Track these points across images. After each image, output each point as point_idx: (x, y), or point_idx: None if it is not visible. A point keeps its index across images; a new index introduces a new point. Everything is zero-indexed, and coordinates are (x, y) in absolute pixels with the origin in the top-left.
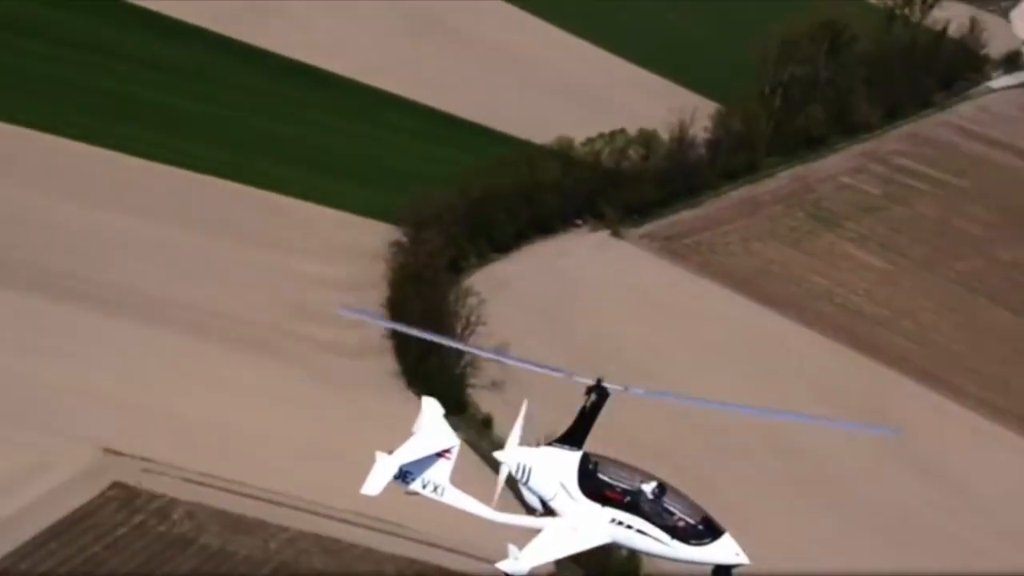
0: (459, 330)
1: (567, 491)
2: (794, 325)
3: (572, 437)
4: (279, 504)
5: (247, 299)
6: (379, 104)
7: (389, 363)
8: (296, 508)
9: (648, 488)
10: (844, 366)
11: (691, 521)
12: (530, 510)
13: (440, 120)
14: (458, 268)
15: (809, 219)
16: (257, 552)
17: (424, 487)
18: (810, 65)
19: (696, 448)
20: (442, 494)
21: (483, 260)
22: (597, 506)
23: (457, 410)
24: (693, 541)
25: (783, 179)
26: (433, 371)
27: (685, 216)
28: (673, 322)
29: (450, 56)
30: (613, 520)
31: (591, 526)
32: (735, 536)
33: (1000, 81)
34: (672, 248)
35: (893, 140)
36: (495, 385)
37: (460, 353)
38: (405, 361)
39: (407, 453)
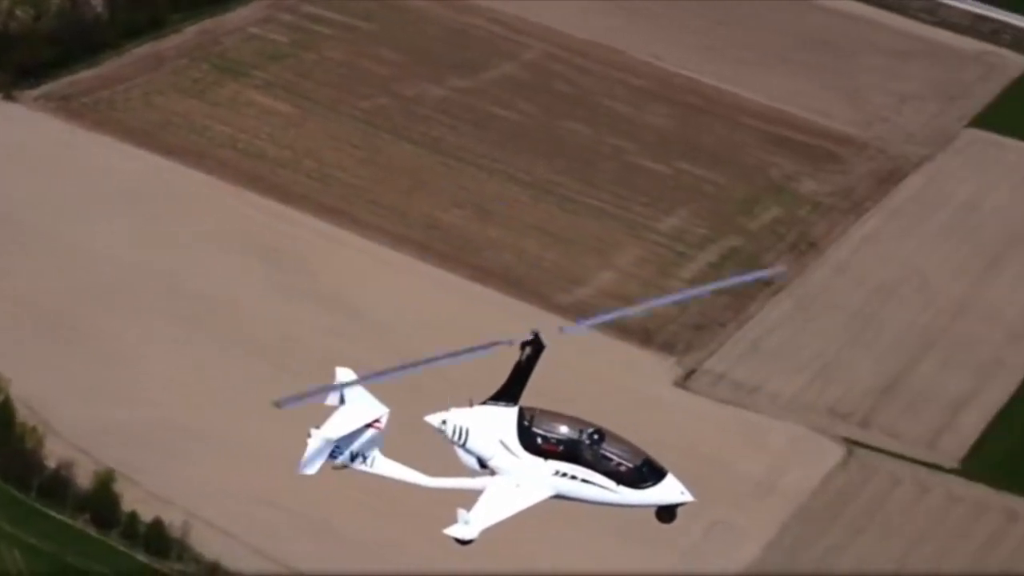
0: None
1: (508, 448)
2: (195, 172)
3: (507, 393)
4: None
5: None
6: None
7: None
8: None
9: (587, 435)
10: (244, 206)
11: (633, 464)
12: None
13: None
14: None
15: (214, 70)
16: None
17: (353, 460)
18: None
19: (92, 305)
20: (372, 465)
21: None
22: (539, 460)
23: None
24: (639, 484)
25: (189, 33)
26: None
27: (84, 75)
28: (71, 180)
29: None
30: (556, 472)
31: (535, 481)
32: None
33: None
34: (69, 108)
35: None
36: None
37: None
38: None
39: (338, 427)
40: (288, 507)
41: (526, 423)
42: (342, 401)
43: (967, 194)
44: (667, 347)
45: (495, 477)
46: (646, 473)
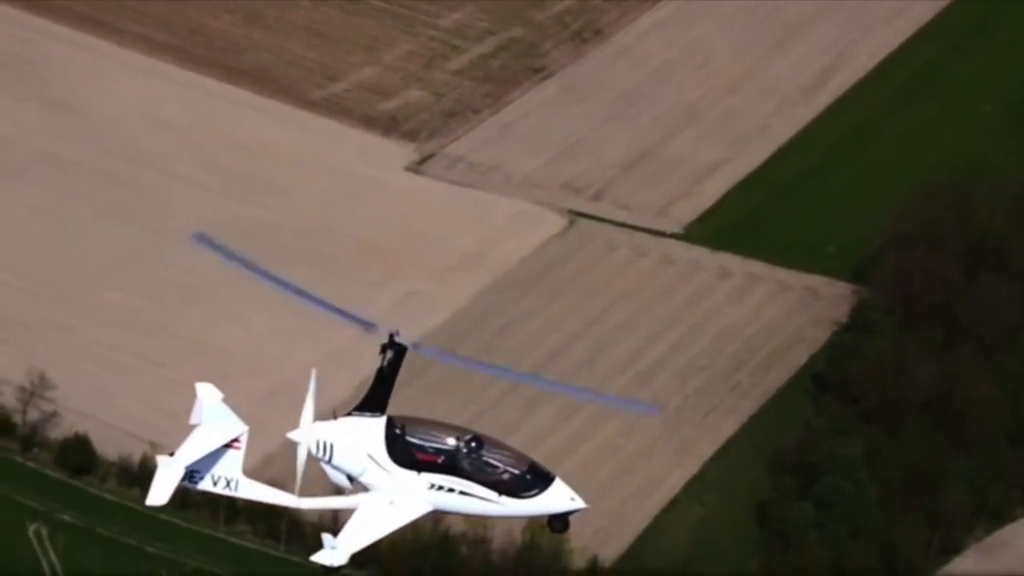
0: None
1: (377, 462)
2: None
3: (372, 402)
4: None
5: None
6: None
7: None
8: None
9: (463, 443)
10: None
11: (517, 471)
12: (338, 490)
13: None
14: None
15: None
16: None
17: (215, 484)
18: None
19: None
20: (236, 488)
21: None
22: (412, 473)
23: None
24: (523, 493)
25: None
26: None
27: None
28: None
29: None
30: (432, 486)
31: (409, 496)
32: None
33: None
34: None
35: None
36: None
37: None
38: None
39: (192, 451)
40: None
41: (395, 434)
42: (199, 420)
43: None
44: (411, 135)
45: (368, 494)
46: (531, 480)
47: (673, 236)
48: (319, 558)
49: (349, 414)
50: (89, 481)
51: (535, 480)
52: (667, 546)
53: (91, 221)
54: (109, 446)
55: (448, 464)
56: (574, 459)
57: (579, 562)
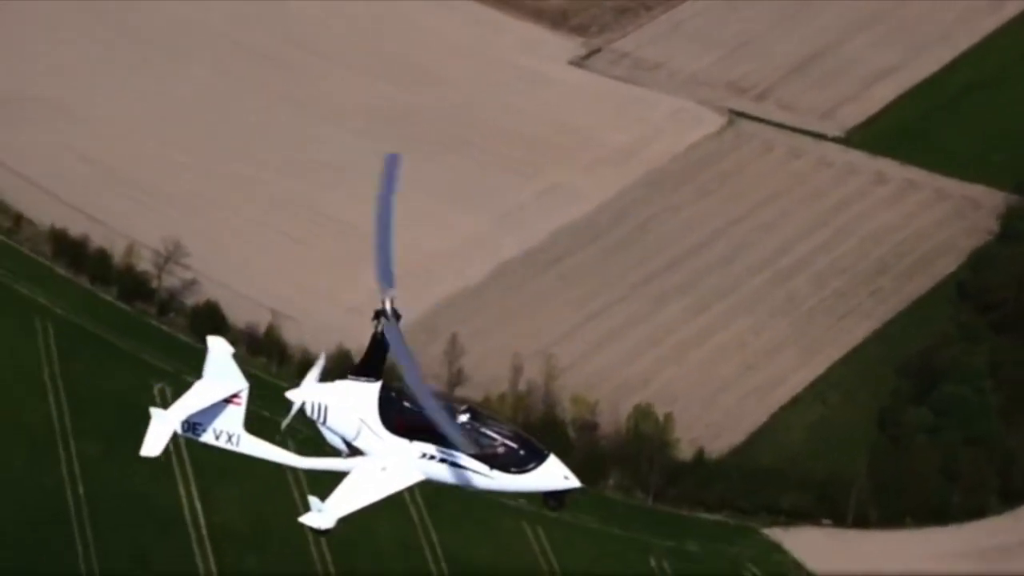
0: None
1: (369, 427)
2: None
3: (368, 366)
4: None
5: None
6: None
7: None
8: None
9: (457, 415)
10: None
11: (511, 446)
12: (335, 452)
13: None
14: None
15: None
16: None
17: (217, 438)
18: None
19: None
20: (238, 443)
21: None
22: (404, 441)
23: None
24: (514, 469)
25: None
26: None
27: None
28: None
29: None
30: (424, 455)
31: (401, 464)
32: None
33: None
34: None
35: None
36: None
37: None
38: None
39: (189, 404)
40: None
41: (389, 400)
42: (206, 373)
43: None
44: (580, 29)
45: (362, 459)
46: (524, 456)
47: (833, 139)
48: (307, 520)
49: (345, 377)
50: None
51: (528, 456)
52: (781, 443)
53: (254, 102)
54: (240, 314)
55: (440, 434)
56: (700, 352)
57: (685, 453)
